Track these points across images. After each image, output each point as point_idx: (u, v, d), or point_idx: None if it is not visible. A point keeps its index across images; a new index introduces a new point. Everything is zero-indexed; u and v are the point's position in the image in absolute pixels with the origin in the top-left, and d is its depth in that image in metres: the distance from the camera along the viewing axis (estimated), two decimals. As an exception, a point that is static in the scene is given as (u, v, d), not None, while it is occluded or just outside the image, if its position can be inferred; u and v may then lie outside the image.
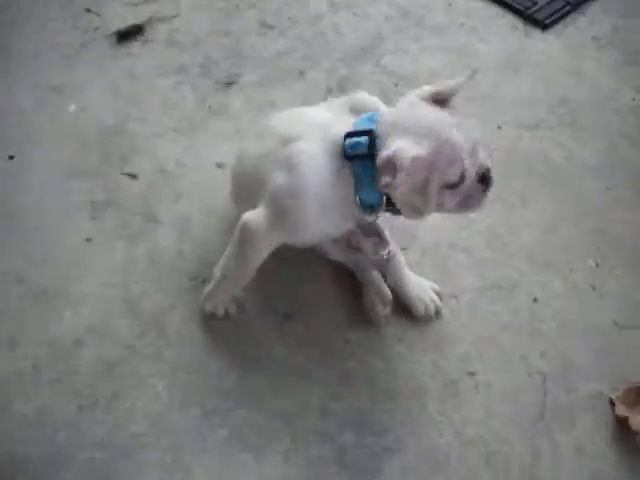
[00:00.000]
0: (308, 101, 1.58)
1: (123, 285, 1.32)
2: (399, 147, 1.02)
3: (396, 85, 1.70)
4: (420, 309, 1.27)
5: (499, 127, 1.61)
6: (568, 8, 1.91)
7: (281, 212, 1.12)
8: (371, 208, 1.11)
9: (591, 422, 1.16)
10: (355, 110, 1.19)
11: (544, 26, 1.86)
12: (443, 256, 1.38)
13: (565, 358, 1.23)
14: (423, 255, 1.38)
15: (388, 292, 1.26)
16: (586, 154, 1.56)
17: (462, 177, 1.07)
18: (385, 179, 1.02)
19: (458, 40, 1.83)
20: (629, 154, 1.56)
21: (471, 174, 1.07)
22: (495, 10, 1.92)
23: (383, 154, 1.03)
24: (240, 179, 1.30)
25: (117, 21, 1.86)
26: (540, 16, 1.88)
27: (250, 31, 1.86)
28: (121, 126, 1.61)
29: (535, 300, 1.31)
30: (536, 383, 1.20)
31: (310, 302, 1.31)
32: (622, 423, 1.14)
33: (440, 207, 1.11)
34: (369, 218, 1.13)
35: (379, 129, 1.07)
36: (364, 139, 1.07)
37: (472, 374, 1.22)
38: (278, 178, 1.12)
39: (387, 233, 1.25)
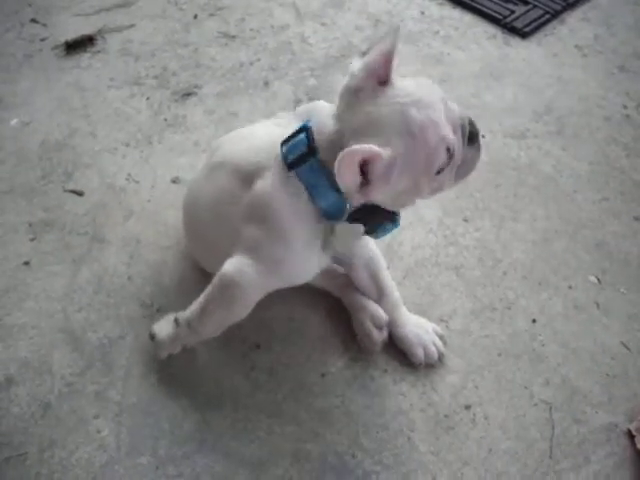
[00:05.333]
0: (273, 112, 1.46)
1: (64, 314, 1.15)
2: (360, 147, 0.83)
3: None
4: (419, 354, 1.09)
5: (483, 136, 1.48)
6: (547, 17, 1.82)
7: (270, 260, 0.94)
8: (336, 215, 0.92)
9: (606, 458, 1.01)
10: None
11: (524, 34, 1.76)
12: (428, 275, 1.23)
13: (572, 385, 1.08)
14: (406, 275, 1.23)
15: (383, 314, 1.10)
16: (577, 163, 1.44)
17: (450, 152, 0.89)
18: (349, 186, 0.85)
19: (433, 48, 1.71)
20: (624, 163, 1.44)
21: (458, 142, 0.91)
22: (470, 18, 1.82)
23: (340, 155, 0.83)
24: (198, 228, 1.10)
25: (65, 32, 1.73)
26: (519, 24, 1.79)
27: (210, 42, 1.73)
28: (67, 141, 1.46)
29: (534, 321, 1.16)
30: (541, 415, 1.05)
31: (280, 330, 1.14)
32: (643, 459, 0.99)
33: (437, 190, 0.94)
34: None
35: (319, 123, 0.91)
36: (301, 137, 0.91)
37: (468, 407, 1.06)
38: (253, 230, 0.94)
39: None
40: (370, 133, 0.86)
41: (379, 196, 0.89)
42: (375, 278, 1.12)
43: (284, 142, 0.93)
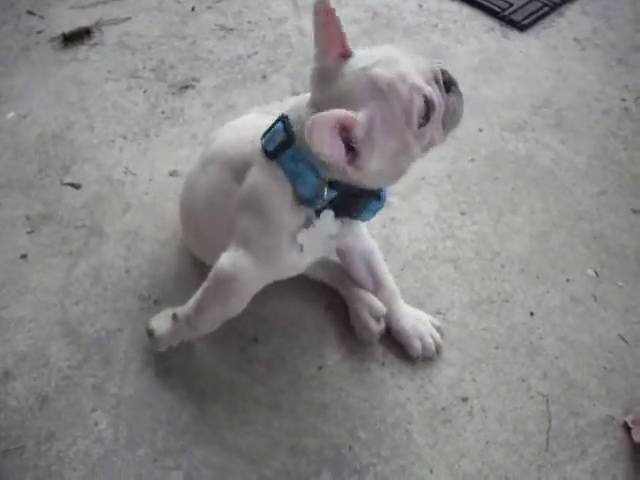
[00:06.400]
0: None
1: (62, 307, 1.15)
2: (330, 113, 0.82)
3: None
4: (417, 347, 1.09)
5: (480, 130, 1.48)
6: (546, 9, 1.81)
7: (263, 251, 0.94)
8: (313, 201, 0.91)
9: (603, 450, 1.01)
10: None
11: (522, 27, 1.76)
12: (426, 268, 1.23)
13: (569, 378, 1.09)
14: (403, 268, 1.23)
15: (380, 305, 1.10)
16: (575, 156, 1.44)
17: (428, 100, 0.87)
18: (336, 157, 0.84)
19: (431, 41, 1.71)
20: (622, 156, 1.44)
21: (435, 91, 0.89)
22: (468, 11, 1.82)
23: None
24: (194, 221, 1.10)
25: (62, 24, 1.73)
26: (517, 17, 1.78)
27: (208, 34, 1.72)
28: (64, 134, 1.45)
29: (532, 314, 1.16)
30: (538, 407, 1.05)
31: (278, 323, 1.14)
32: None
33: (429, 146, 0.92)
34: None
35: (294, 113, 0.91)
36: (278, 126, 0.92)
37: (465, 400, 1.06)
38: (245, 220, 0.95)
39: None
40: (342, 104, 0.85)
41: (372, 164, 0.87)
42: (372, 270, 1.12)
43: (264, 134, 0.94)
